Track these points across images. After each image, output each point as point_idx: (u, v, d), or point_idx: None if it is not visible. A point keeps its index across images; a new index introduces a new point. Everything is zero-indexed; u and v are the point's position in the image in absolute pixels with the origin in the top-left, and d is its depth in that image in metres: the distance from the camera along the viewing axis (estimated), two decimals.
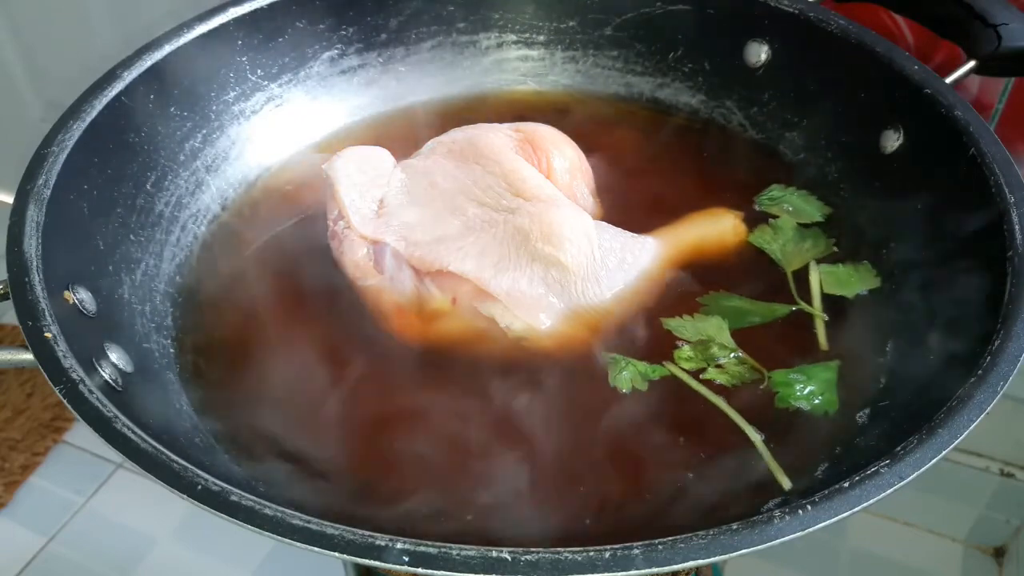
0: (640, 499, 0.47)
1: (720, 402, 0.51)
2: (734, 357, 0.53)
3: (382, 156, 0.62)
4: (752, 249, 0.61)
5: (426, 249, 0.56)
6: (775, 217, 0.62)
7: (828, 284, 0.58)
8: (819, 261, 0.59)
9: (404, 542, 0.34)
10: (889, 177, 0.60)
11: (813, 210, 0.63)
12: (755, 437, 0.49)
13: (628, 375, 0.52)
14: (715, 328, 0.54)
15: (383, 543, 0.34)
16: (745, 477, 0.48)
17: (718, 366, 0.53)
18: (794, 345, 0.55)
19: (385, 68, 0.74)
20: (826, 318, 0.56)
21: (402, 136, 0.70)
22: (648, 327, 0.55)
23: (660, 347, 0.54)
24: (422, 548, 0.34)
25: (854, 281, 0.58)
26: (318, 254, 0.60)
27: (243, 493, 0.36)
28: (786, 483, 0.47)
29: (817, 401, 0.51)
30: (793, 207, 0.63)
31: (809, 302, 0.57)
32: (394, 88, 0.74)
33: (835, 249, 0.60)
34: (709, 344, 0.53)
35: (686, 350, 0.54)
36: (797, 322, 0.56)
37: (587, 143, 0.64)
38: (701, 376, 0.53)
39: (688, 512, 0.46)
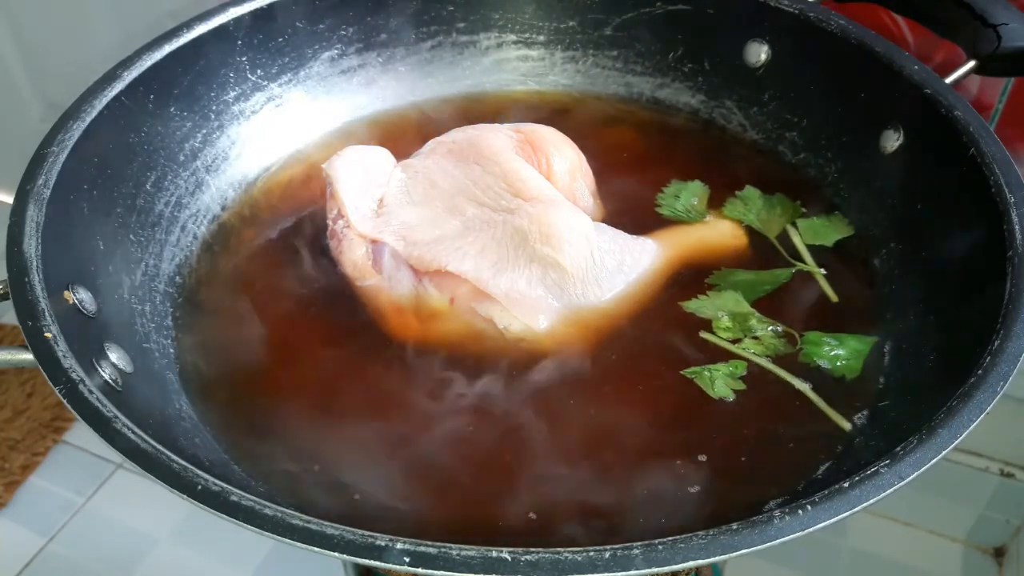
0: (628, 500, 0.47)
1: (764, 362, 0.53)
2: (771, 330, 0.54)
3: (382, 156, 0.62)
4: None
5: (425, 249, 0.56)
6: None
7: (807, 237, 0.61)
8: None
9: (404, 542, 0.34)
10: (889, 177, 0.60)
11: (699, 190, 0.65)
12: (803, 387, 0.51)
13: (722, 381, 0.52)
14: (733, 302, 0.56)
15: (383, 543, 0.34)
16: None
17: (754, 338, 0.54)
18: (807, 303, 0.57)
19: (385, 68, 0.74)
20: (824, 272, 0.59)
21: (402, 136, 0.70)
22: (649, 327, 0.55)
23: (663, 346, 0.54)
24: (422, 548, 0.34)
25: (829, 231, 0.61)
26: (317, 254, 0.60)
27: (243, 493, 0.36)
28: (846, 425, 0.49)
29: (840, 364, 0.53)
30: (697, 197, 0.64)
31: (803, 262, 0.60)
32: (394, 88, 0.74)
33: (803, 210, 0.63)
34: (749, 316, 0.55)
35: (725, 320, 0.55)
36: (803, 283, 0.58)
37: (587, 143, 0.64)
38: (736, 347, 0.54)
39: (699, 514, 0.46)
